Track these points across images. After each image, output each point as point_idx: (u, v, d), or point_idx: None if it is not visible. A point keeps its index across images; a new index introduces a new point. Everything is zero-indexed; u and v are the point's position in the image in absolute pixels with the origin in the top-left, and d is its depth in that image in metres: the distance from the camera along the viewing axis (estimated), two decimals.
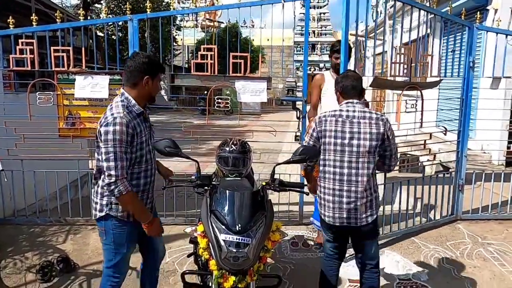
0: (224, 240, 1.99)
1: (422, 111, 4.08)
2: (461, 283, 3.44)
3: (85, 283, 3.39)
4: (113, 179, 2.11)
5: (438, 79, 4.34)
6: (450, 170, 6.14)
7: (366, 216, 2.54)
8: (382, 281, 3.44)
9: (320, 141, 2.57)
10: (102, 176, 2.18)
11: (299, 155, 2.32)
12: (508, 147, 4.62)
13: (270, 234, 2.18)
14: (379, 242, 4.09)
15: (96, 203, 2.30)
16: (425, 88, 4.25)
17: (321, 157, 2.56)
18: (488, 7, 7.23)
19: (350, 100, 2.60)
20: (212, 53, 4.11)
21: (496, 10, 7.24)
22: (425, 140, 4.29)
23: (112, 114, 2.14)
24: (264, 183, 2.32)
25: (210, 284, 2.41)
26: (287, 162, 2.42)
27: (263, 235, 2.08)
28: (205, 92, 20.53)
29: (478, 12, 4.47)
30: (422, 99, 4.06)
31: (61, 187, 4.62)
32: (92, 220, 4.47)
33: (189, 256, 3.00)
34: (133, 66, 2.25)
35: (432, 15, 4.71)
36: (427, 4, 6.86)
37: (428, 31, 9.04)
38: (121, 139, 2.12)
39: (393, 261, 3.78)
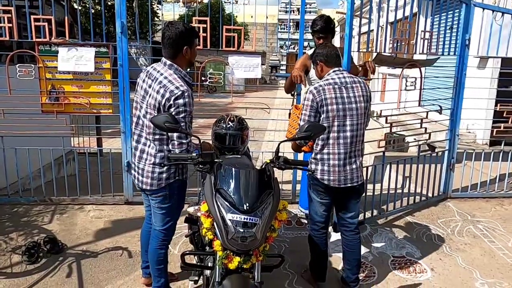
0: (231, 220, 1.90)
1: (420, 89, 4.04)
2: (453, 259, 3.49)
3: (74, 264, 3.27)
4: (185, 146, 2.34)
5: (435, 56, 4.30)
6: (436, 149, 6.21)
7: (362, 174, 2.80)
8: (377, 259, 3.47)
9: (321, 110, 2.61)
10: (172, 147, 2.37)
11: (305, 132, 2.23)
12: (498, 127, 4.64)
13: (277, 213, 2.11)
14: (374, 222, 4.14)
15: (161, 172, 2.44)
16: (424, 65, 4.21)
17: (325, 124, 2.61)
18: None
19: (336, 68, 2.73)
20: (205, 25, 3.93)
21: None
22: (421, 119, 4.27)
23: (178, 88, 2.28)
24: (268, 161, 2.23)
25: (210, 265, 2.35)
26: (293, 139, 2.33)
27: (271, 214, 2.00)
28: (188, 69, 20.08)
29: None
30: (421, 77, 4.01)
31: (44, 164, 4.42)
32: (78, 199, 4.37)
33: (187, 236, 2.91)
34: (171, 37, 2.36)
35: None
36: None
37: (416, 9, 8.97)
38: (190, 110, 2.33)
39: (386, 239, 3.80)
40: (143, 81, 2.46)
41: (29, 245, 3.32)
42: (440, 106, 4.25)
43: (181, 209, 2.68)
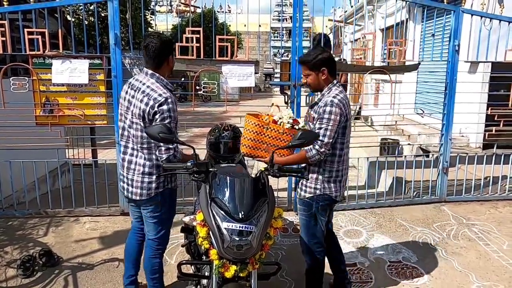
0: (226, 229, 1.91)
1: (391, 93, 4.13)
2: (449, 263, 3.51)
3: (70, 276, 3.25)
4: (172, 151, 2.39)
5: (415, 62, 4.40)
6: (430, 153, 6.26)
7: None
8: (374, 265, 3.47)
9: (342, 125, 2.50)
10: (158, 153, 2.40)
11: (298, 139, 2.25)
12: (490, 130, 4.70)
13: (272, 221, 2.12)
14: (369, 228, 4.16)
15: (150, 182, 2.47)
16: (395, 72, 4.32)
17: (341, 141, 2.55)
18: None
19: (337, 80, 2.62)
20: (198, 36, 3.96)
21: None
22: (396, 121, 4.38)
23: (161, 95, 2.35)
24: (263, 169, 2.25)
25: (206, 274, 2.35)
26: (286, 147, 2.35)
27: (266, 222, 2.01)
28: (182, 78, 20.15)
29: None
30: (391, 82, 4.11)
31: (39, 177, 4.40)
32: (74, 211, 4.35)
33: (183, 246, 2.91)
34: (156, 48, 2.41)
35: None
36: None
37: (407, 16, 9.09)
38: (175, 116, 2.38)
39: (383, 244, 3.82)
40: (126, 92, 2.50)
41: (24, 258, 3.29)
42: (422, 110, 4.34)
43: (173, 217, 2.72)
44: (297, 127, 2.58)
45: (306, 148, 2.47)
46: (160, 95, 2.35)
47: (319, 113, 2.48)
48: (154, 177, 2.46)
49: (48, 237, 3.91)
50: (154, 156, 2.45)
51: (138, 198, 2.51)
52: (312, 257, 2.75)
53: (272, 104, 2.74)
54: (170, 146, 2.37)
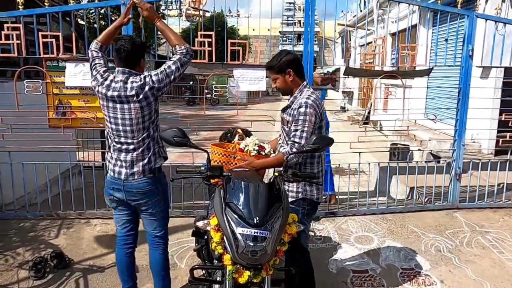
0: (241, 234, 1.90)
1: (403, 99, 4.10)
2: (463, 271, 3.45)
3: (81, 279, 3.26)
4: (189, 50, 2.58)
5: (427, 67, 4.37)
6: (441, 159, 6.21)
7: None
8: (386, 272, 3.43)
9: (317, 125, 2.48)
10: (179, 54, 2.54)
11: (313, 144, 2.24)
12: (504, 136, 4.63)
13: (286, 226, 2.10)
14: (380, 234, 4.12)
15: (150, 156, 2.54)
16: (406, 77, 4.29)
17: None
18: None
19: (307, 82, 2.65)
20: (210, 40, 3.97)
21: (486, 0, 7.28)
22: (408, 126, 4.35)
23: (145, 77, 2.46)
24: (277, 174, 2.24)
25: (218, 279, 2.33)
26: (300, 151, 2.33)
27: (280, 227, 2.00)
28: (191, 82, 20.23)
29: (478, 0, 4.45)
30: (403, 87, 4.08)
31: (51, 178, 4.43)
32: (85, 214, 4.37)
33: (195, 250, 2.90)
34: (129, 51, 2.45)
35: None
36: None
37: (418, 20, 9.03)
38: (159, 70, 2.52)
39: (394, 251, 3.77)
40: (105, 95, 2.48)
41: (36, 260, 3.31)
42: (435, 115, 4.31)
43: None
44: (263, 153, 2.62)
45: (283, 150, 2.45)
46: (144, 77, 2.46)
47: (294, 115, 2.47)
48: (150, 151, 2.54)
49: (60, 239, 3.93)
50: (156, 135, 2.56)
51: (140, 176, 2.51)
52: (298, 263, 2.62)
53: (238, 129, 2.82)
54: (186, 52, 2.54)
